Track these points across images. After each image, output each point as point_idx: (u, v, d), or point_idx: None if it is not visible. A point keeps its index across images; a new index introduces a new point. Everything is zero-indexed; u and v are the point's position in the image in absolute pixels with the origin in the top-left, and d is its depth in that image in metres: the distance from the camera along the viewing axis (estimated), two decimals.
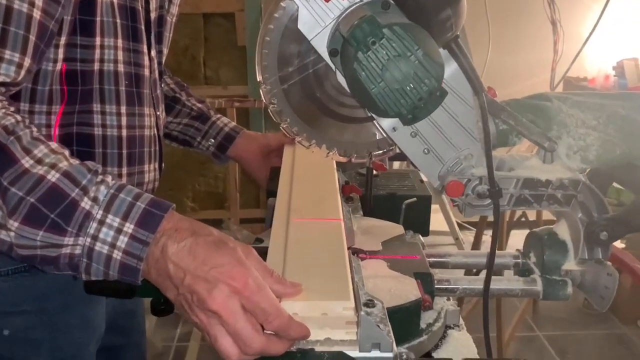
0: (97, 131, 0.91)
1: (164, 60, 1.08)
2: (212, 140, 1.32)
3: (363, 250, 0.92)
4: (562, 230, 0.88)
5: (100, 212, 0.67)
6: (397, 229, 1.01)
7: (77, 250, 0.67)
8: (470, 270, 1.52)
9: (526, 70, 3.21)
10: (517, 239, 2.68)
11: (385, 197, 1.18)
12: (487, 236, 3.00)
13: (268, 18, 0.79)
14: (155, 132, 1.05)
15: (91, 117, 0.91)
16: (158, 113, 1.06)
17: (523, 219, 2.89)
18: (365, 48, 0.69)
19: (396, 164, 2.69)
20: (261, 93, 0.82)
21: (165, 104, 1.19)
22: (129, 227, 0.67)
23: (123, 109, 0.94)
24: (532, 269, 0.91)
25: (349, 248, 0.89)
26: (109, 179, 0.69)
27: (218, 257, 0.66)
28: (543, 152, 0.84)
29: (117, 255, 0.67)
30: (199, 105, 1.34)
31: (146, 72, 0.98)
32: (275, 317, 0.64)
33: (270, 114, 0.84)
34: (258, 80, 0.80)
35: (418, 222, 1.12)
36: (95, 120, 0.91)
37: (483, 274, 0.87)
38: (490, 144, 0.76)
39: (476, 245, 2.65)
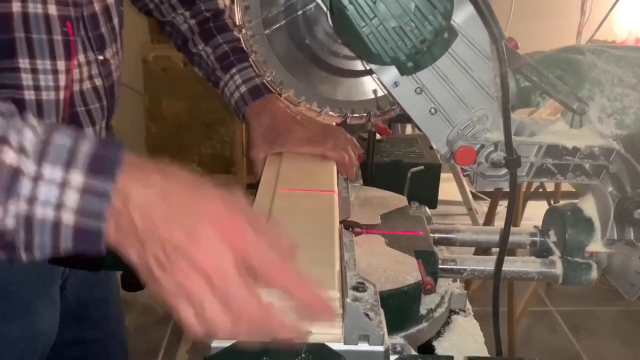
0: (28, 95, 0.75)
1: None
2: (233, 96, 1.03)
3: (359, 224, 0.82)
4: (588, 206, 0.77)
5: (33, 165, 0.49)
6: (399, 200, 0.90)
7: (10, 223, 0.50)
8: (481, 248, 1.42)
9: (551, 36, 3.01)
10: (533, 211, 2.56)
11: (389, 165, 1.06)
12: (502, 207, 2.88)
13: None
14: (100, 82, 0.87)
15: (17, 76, 0.74)
16: (101, 57, 0.87)
17: (540, 190, 2.76)
18: None
19: (408, 129, 2.56)
20: (241, 39, 0.70)
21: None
22: (77, 178, 0.49)
23: (61, 66, 0.77)
24: (551, 249, 0.80)
25: (342, 221, 0.79)
26: (32, 120, 0.52)
27: (200, 202, 0.52)
28: (571, 115, 0.72)
29: (67, 218, 0.50)
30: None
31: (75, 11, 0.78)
32: (281, 270, 0.51)
33: (252, 63, 0.72)
34: (237, 23, 0.68)
35: (425, 193, 1.01)
36: (24, 81, 0.74)
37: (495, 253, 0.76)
38: (509, 103, 0.63)
39: (490, 216, 2.53)
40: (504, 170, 0.71)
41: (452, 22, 0.65)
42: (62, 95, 0.79)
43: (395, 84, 0.68)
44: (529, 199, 2.64)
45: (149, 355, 2.23)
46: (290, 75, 0.73)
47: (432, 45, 0.57)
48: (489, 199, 3.14)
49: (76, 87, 0.83)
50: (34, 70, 0.75)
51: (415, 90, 0.69)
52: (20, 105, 0.73)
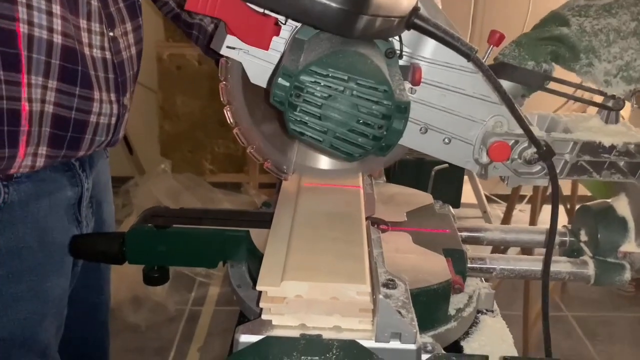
0: (22, 28, 0.77)
1: None
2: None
3: (385, 221, 0.80)
4: (622, 205, 0.75)
5: None
6: (424, 197, 0.89)
7: None
8: (498, 247, 1.39)
9: None
10: (548, 216, 2.52)
11: (413, 163, 1.05)
12: (516, 210, 2.85)
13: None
14: (110, 55, 0.91)
15: (14, 8, 0.76)
16: (112, 34, 0.91)
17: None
18: (291, 108, 0.56)
19: None
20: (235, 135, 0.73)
21: None
22: None
23: (57, 9, 0.80)
24: (581, 249, 0.78)
25: (368, 218, 0.77)
26: None
27: None
28: (605, 112, 0.70)
29: None
30: None
31: None
32: None
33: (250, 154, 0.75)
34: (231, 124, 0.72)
35: (449, 191, 1.00)
36: (20, 14, 0.77)
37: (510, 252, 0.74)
38: (512, 102, 0.62)
39: (506, 220, 2.50)
40: (537, 167, 0.69)
41: (421, 57, 0.66)
42: (56, 38, 0.80)
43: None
44: (544, 203, 2.60)
45: (160, 354, 2.22)
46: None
47: (390, 125, 0.56)
48: (503, 202, 3.11)
49: (87, 51, 0.86)
50: (29, 7, 0.77)
51: (420, 131, 0.69)
52: (11, 37, 0.76)
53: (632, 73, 0.66)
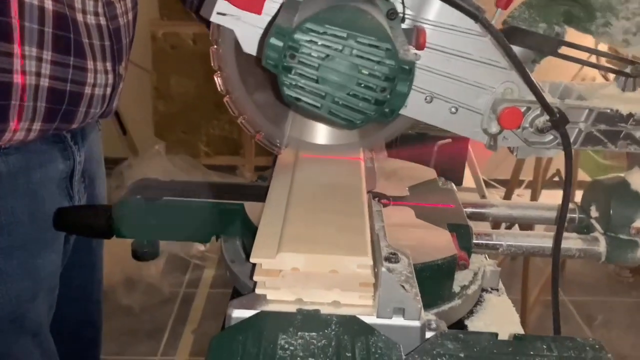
0: None
1: None
2: None
3: (386, 196, 0.76)
4: (636, 179, 0.71)
5: None
6: (427, 172, 0.85)
7: None
8: (498, 226, 1.36)
9: None
10: (548, 200, 2.50)
11: (415, 137, 1.01)
12: (515, 195, 2.82)
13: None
14: (105, 22, 0.86)
15: None
16: None
17: (556, 178, 2.70)
18: (285, 71, 0.52)
19: None
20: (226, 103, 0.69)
21: None
22: None
23: None
24: (591, 225, 0.75)
25: (368, 192, 0.73)
26: None
27: None
28: (623, 79, 0.66)
29: None
30: None
31: None
32: None
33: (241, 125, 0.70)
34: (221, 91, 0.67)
35: (452, 167, 0.96)
36: None
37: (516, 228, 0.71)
38: (523, 66, 0.58)
39: None
40: (549, 137, 0.65)
41: (425, 20, 0.62)
42: (47, 4, 0.76)
43: (404, 105, 0.64)
44: (543, 188, 2.58)
45: (154, 336, 2.20)
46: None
47: (394, 88, 0.52)
48: (502, 187, 3.08)
49: (80, 18, 0.81)
50: None
51: (425, 100, 0.64)
52: (4, 4, 0.71)
53: None
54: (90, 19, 0.83)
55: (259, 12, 0.61)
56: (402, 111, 0.65)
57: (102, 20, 0.85)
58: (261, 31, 0.63)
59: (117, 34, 0.88)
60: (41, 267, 0.87)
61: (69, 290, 0.97)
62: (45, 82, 0.77)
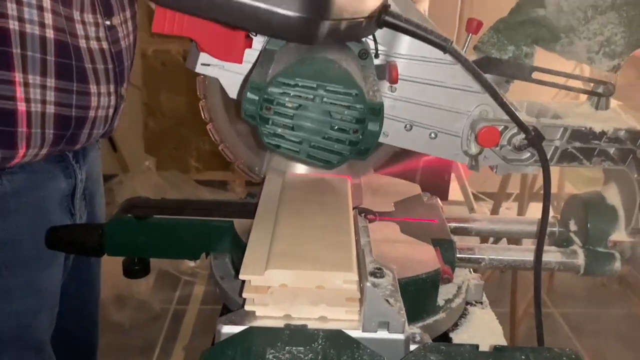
0: (13, 25, 0.75)
1: None
2: None
3: (372, 211, 0.78)
4: (612, 194, 0.74)
5: None
6: (412, 187, 0.87)
7: None
8: (486, 240, 1.39)
9: None
10: (535, 213, 2.52)
11: (399, 152, 1.03)
12: (503, 208, 2.85)
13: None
14: (107, 46, 0.88)
15: (3, 4, 0.74)
16: (108, 23, 0.89)
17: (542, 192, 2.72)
18: (263, 122, 0.55)
19: None
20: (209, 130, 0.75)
21: None
22: None
23: (47, 3, 0.77)
24: (571, 239, 0.77)
25: (355, 207, 0.75)
26: None
27: None
28: (596, 98, 0.69)
29: None
30: None
31: None
32: None
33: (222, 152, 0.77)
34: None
35: (437, 182, 0.98)
36: (9, 10, 0.74)
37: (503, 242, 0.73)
38: (494, 89, 0.61)
39: None
40: (527, 154, 0.68)
41: (397, 54, 0.66)
42: (48, 33, 0.78)
43: (385, 134, 0.68)
44: (531, 200, 2.61)
45: (144, 352, 2.18)
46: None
47: (366, 128, 0.55)
48: (490, 200, 3.11)
49: (82, 44, 0.83)
50: (18, 2, 0.75)
51: (405, 128, 0.68)
52: (2, 34, 0.73)
53: (614, 47, 0.65)
54: (93, 44, 0.85)
55: (239, 61, 0.65)
56: (384, 140, 0.70)
57: (105, 45, 0.88)
58: (242, 77, 0.67)
59: (119, 57, 0.90)
60: (44, 283, 0.88)
61: (67, 305, 0.98)
62: (51, 109, 0.80)
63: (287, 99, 0.54)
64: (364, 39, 0.64)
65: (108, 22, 0.88)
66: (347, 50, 0.62)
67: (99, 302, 1.13)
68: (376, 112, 0.55)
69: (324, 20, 0.54)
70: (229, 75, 0.67)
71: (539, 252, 0.66)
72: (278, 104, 0.54)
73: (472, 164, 0.69)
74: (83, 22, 0.83)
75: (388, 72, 0.65)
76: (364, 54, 0.63)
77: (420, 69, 0.66)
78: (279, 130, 0.55)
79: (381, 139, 0.70)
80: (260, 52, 0.64)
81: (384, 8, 0.61)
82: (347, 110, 0.54)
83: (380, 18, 0.60)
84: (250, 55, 0.65)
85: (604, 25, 0.64)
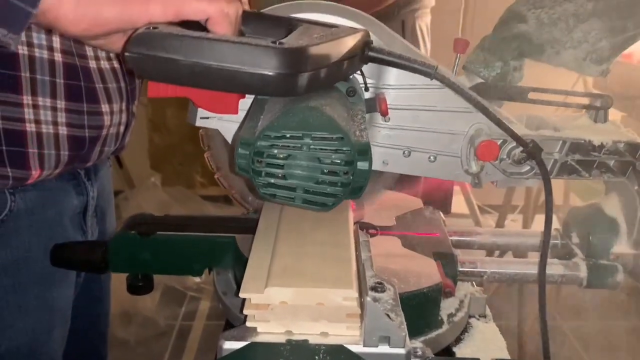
0: (22, 50, 0.76)
1: None
2: None
3: (373, 225, 0.79)
4: (612, 206, 0.74)
5: None
6: (413, 202, 0.88)
7: None
8: (491, 254, 1.38)
9: None
10: (541, 225, 2.50)
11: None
12: (508, 220, 2.84)
13: None
14: (118, 64, 0.89)
15: None
16: None
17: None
18: (256, 174, 0.58)
19: None
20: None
21: None
22: None
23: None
24: (573, 251, 0.77)
25: (355, 223, 0.76)
26: None
27: None
28: (594, 111, 0.69)
29: None
30: None
31: None
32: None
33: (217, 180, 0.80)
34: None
35: (439, 196, 0.98)
36: None
37: (509, 255, 0.73)
38: (486, 108, 0.63)
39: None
40: (526, 168, 0.68)
41: (386, 86, 0.68)
42: (57, 57, 0.79)
43: (384, 163, 0.70)
44: (537, 213, 2.60)
45: None
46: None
47: (355, 169, 0.56)
48: (495, 212, 3.10)
49: (92, 64, 0.84)
50: (27, 27, 0.75)
51: (404, 154, 0.70)
52: (11, 59, 0.74)
53: (601, 53, 0.65)
54: (104, 64, 0.87)
55: (235, 112, 0.67)
56: (384, 169, 0.71)
57: (116, 64, 0.89)
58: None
59: (131, 75, 0.91)
60: (57, 300, 0.89)
61: (77, 321, 0.99)
62: (64, 130, 0.81)
63: (276, 150, 0.56)
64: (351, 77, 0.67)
65: None
66: (333, 91, 0.64)
67: (108, 318, 1.13)
68: (363, 152, 0.56)
69: (302, 73, 0.56)
70: (228, 125, 0.71)
71: (542, 264, 0.66)
72: (268, 156, 0.56)
73: (475, 181, 0.70)
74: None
75: (378, 105, 0.67)
76: (352, 92, 0.66)
77: (411, 97, 0.67)
78: (272, 180, 0.57)
79: (381, 168, 0.72)
80: (252, 102, 0.67)
81: (366, 44, 0.63)
82: (335, 154, 0.56)
83: (364, 55, 0.63)
84: (245, 104, 0.67)
85: (587, 32, 0.65)
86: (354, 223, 0.72)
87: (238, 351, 0.53)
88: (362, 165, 0.56)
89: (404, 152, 0.69)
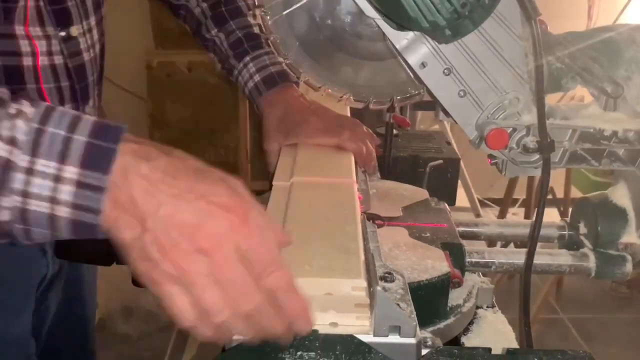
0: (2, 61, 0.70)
1: None
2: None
3: (380, 216, 0.78)
4: (621, 195, 0.74)
5: (25, 157, 0.46)
6: (420, 193, 0.87)
7: (5, 216, 0.47)
8: (494, 243, 1.38)
9: None
10: (545, 218, 2.49)
11: (407, 159, 1.03)
12: (510, 214, 2.84)
13: None
14: (61, 60, 0.78)
15: None
16: (63, 34, 0.78)
17: (550, 196, 2.72)
18: None
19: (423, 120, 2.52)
20: (260, 20, 0.67)
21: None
22: (70, 172, 0.46)
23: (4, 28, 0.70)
24: (581, 241, 0.77)
25: (363, 213, 0.75)
26: (25, 107, 0.47)
27: (206, 184, 0.49)
28: (604, 98, 0.69)
29: (63, 212, 0.47)
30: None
31: None
32: (275, 269, 0.48)
33: (271, 45, 0.69)
34: (256, 3, 0.66)
35: (444, 188, 0.98)
36: None
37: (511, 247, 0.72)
38: (542, 84, 0.60)
39: None
40: (536, 156, 0.67)
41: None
42: (27, 62, 0.73)
43: (423, 65, 0.65)
44: (537, 207, 2.59)
45: None
46: (310, 58, 0.70)
47: (473, 10, 0.53)
48: (496, 206, 3.10)
49: (29, 62, 0.75)
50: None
51: (444, 72, 0.65)
52: None
53: None
54: (44, 61, 0.77)
55: None
56: (421, 73, 0.67)
57: (58, 59, 0.78)
58: None
59: (81, 72, 0.82)
60: (8, 331, 0.83)
61: (60, 324, 0.95)
62: None
63: None
64: None
65: (63, 34, 0.78)
66: None
67: (94, 319, 1.09)
68: (487, 7, 0.54)
69: None
70: None
71: (529, 257, 0.65)
72: None
73: (476, 142, 0.69)
74: (28, 37, 0.74)
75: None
76: None
77: (491, 25, 0.63)
78: None
79: (418, 70, 0.67)
80: None
81: None
82: None
83: None
84: None
85: None
86: (361, 214, 0.72)
87: (247, 341, 0.52)
88: (479, 15, 0.55)
89: (444, 70, 0.66)
